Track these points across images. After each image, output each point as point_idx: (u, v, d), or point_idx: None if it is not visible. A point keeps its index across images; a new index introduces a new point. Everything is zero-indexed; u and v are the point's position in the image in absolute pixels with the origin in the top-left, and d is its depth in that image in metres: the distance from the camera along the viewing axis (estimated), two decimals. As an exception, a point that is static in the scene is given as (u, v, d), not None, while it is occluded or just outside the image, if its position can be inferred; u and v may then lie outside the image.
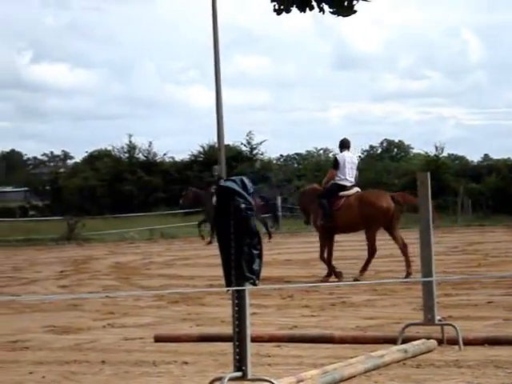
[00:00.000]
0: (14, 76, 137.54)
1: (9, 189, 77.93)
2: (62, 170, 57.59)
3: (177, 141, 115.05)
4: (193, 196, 26.03)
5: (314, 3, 5.97)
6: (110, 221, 33.56)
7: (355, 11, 6.00)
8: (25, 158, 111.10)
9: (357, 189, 15.07)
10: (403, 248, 14.56)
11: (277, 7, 6.02)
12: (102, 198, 42.98)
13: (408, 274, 14.07)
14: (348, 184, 14.91)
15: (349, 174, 14.87)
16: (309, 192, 15.90)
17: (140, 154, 47.59)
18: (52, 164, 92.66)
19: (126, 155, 47.75)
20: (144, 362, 7.81)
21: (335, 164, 15.04)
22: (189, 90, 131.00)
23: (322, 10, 6.00)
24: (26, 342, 9.06)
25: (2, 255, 23.82)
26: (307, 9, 6.00)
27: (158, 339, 8.84)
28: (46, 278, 16.87)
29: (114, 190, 43.61)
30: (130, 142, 47.54)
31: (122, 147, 47.69)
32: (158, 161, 47.09)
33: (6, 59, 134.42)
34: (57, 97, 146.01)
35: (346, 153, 15.07)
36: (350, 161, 15.03)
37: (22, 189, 61.05)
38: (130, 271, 17.78)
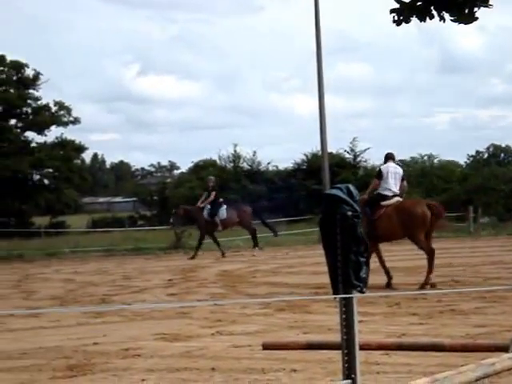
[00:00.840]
0: (122, 89, 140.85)
1: (118, 199, 79.70)
2: (168, 180, 58.51)
3: (280, 149, 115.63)
4: (183, 213, 26.15)
5: (435, 12, 5.87)
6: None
7: (477, 18, 5.84)
8: (133, 168, 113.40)
9: (397, 198, 15.44)
10: (430, 255, 14.75)
11: (396, 18, 5.94)
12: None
13: (425, 284, 14.18)
14: (390, 194, 15.39)
15: (392, 185, 15.42)
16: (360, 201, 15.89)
17: (244, 163, 48.04)
18: (159, 174, 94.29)
19: (231, 164, 48.24)
20: (253, 369, 7.89)
21: (378, 174, 15.65)
22: (292, 99, 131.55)
23: (442, 18, 5.88)
24: (137, 350, 9.26)
25: (113, 264, 24.37)
26: (427, 18, 5.90)
27: (267, 347, 8.90)
28: (156, 286, 17.17)
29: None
30: (235, 151, 48.06)
31: (228, 156, 48.26)
32: (262, 170, 47.41)
33: (114, 72, 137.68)
34: (164, 108, 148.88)
35: (390, 163, 15.70)
36: (394, 171, 15.59)
37: (131, 199, 62.36)
38: (237, 279, 17.93)
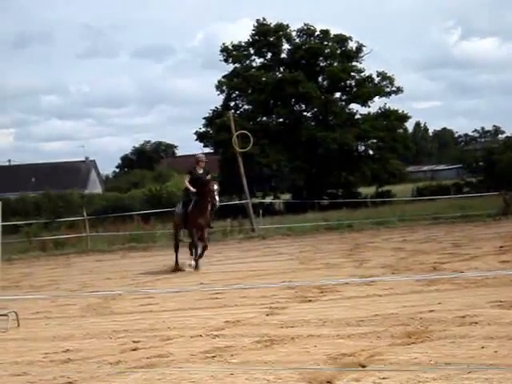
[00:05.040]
0: (444, 54, 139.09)
1: (442, 167, 79.01)
2: (493, 145, 56.98)
3: None
4: None
5: None
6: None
7: None
8: (456, 135, 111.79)
9: None
10: None
11: None
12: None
13: None
14: None
15: None
16: None
17: None
18: (483, 140, 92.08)
19: None
20: None
21: None
22: None
23: None
24: (474, 317, 9.16)
25: (442, 232, 24.27)
26: None
27: None
28: (487, 253, 16.85)
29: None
30: None
31: None
32: None
33: (436, 38, 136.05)
34: (487, 72, 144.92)
35: None
36: None
37: (455, 166, 61.57)
38: None
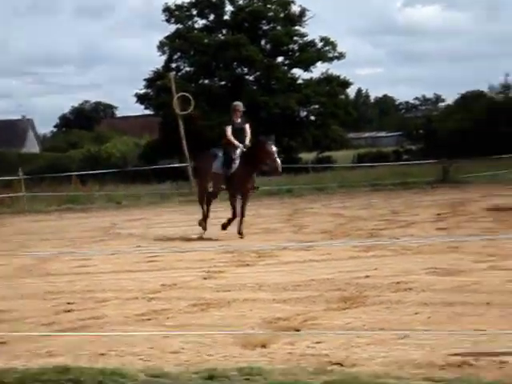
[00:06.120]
0: (387, 21, 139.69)
1: (383, 134, 79.66)
2: (434, 113, 57.53)
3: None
4: None
5: None
6: (485, 163, 32.98)
7: None
8: (397, 102, 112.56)
9: None
10: None
11: None
12: (476, 140, 42.34)
13: None
14: None
15: None
16: None
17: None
18: (424, 107, 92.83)
19: (501, 95, 46.53)
20: (530, 305, 7.65)
21: None
22: None
23: None
24: (408, 284, 9.26)
25: (380, 199, 24.47)
26: None
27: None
28: (424, 220, 17.04)
29: (488, 132, 42.72)
30: (506, 81, 46.28)
31: (497, 87, 46.65)
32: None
33: (380, 5, 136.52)
34: (429, 39, 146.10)
35: None
36: None
37: (396, 133, 62.12)
38: (508, 213, 17.35)
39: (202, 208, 16.54)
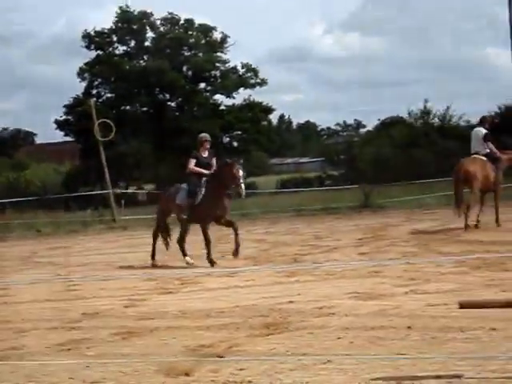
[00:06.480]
0: (308, 48, 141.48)
1: (305, 159, 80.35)
2: (355, 139, 58.31)
3: (473, 103, 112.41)
4: None
5: None
6: (405, 188, 33.47)
7: None
8: (319, 128, 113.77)
9: None
10: None
11: None
12: (397, 165, 42.98)
13: None
14: None
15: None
16: None
17: (436, 119, 47.09)
18: (345, 133, 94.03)
19: (420, 121, 47.41)
20: (450, 327, 7.74)
21: None
22: (484, 51, 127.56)
23: None
24: (331, 308, 9.29)
25: (303, 224, 24.59)
26: None
27: (464, 305, 8.68)
28: (346, 245, 17.18)
29: (409, 157, 43.42)
30: (425, 107, 47.16)
31: (416, 113, 47.50)
32: (453, 125, 46.27)
33: (301, 32, 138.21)
34: (350, 66, 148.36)
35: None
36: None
37: (318, 159, 62.74)
38: (429, 237, 17.63)
39: (153, 241, 16.06)
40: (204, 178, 15.26)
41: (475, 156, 18.88)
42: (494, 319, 7.88)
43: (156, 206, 17.41)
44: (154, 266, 15.50)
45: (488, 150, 18.68)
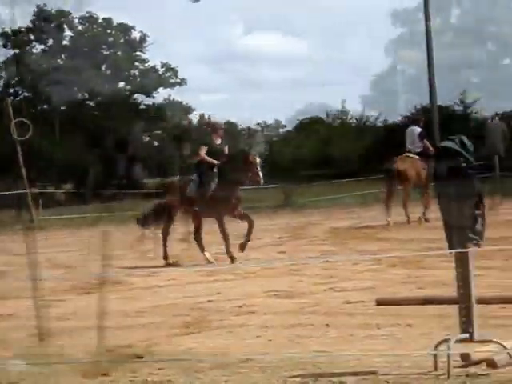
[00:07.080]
0: (229, 48, 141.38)
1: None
2: (274, 138, 58.54)
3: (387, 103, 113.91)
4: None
5: None
6: (324, 187, 33.74)
7: None
8: (239, 127, 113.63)
9: None
10: None
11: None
12: (315, 165, 43.32)
13: None
14: None
15: None
16: None
17: (353, 119, 47.69)
18: (265, 133, 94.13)
19: (338, 121, 47.94)
20: (367, 324, 7.86)
21: None
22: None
23: None
24: (251, 307, 9.34)
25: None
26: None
27: (381, 303, 8.84)
28: (266, 244, 17.24)
29: (327, 156, 43.83)
30: (343, 107, 47.68)
31: (334, 114, 48.00)
32: (370, 125, 46.91)
33: (221, 32, 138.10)
34: (269, 66, 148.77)
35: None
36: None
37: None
38: (347, 236, 17.80)
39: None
40: (215, 168, 14.49)
41: (407, 154, 19.30)
42: (410, 316, 8.04)
43: (160, 201, 16.52)
44: (168, 265, 14.68)
45: (421, 149, 19.22)
